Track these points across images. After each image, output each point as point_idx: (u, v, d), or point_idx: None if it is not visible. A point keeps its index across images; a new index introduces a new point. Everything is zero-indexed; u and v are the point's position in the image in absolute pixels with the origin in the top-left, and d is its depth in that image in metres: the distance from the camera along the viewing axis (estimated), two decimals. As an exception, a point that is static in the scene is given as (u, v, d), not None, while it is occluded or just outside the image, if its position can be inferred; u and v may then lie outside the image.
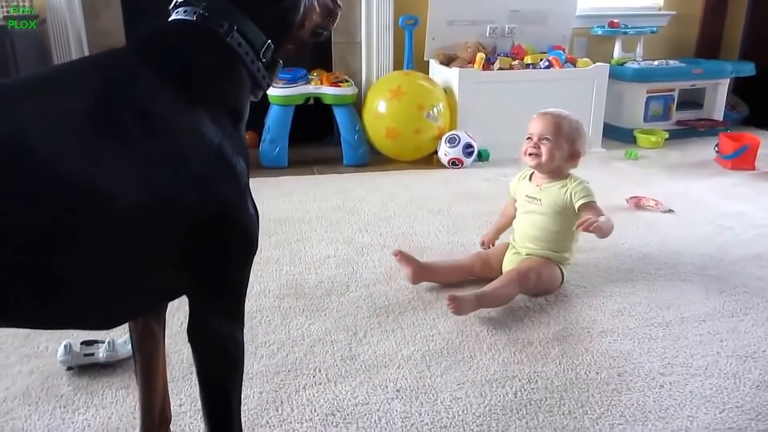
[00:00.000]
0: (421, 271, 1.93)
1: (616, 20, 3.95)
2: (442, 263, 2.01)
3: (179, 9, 1.02)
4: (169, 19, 1.03)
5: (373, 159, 3.39)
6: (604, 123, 3.63)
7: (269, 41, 1.06)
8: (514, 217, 2.05)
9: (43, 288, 0.81)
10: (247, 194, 1.00)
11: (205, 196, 0.92)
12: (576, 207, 1.89)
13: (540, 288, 1.88)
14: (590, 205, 1.88)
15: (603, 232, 1.79)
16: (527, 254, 1.94)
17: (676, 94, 3.86)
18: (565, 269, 1.94)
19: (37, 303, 0.83)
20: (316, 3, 1.13)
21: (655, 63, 3.88)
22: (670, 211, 2.60)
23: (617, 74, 3.72)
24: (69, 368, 1.51)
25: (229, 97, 1.02)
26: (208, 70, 1.00)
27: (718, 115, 3.99)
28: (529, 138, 1.94)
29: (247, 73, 1.04)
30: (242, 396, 1.39)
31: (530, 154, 1.93)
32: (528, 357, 1.58)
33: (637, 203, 2.65)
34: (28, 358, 1.56)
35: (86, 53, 3.38)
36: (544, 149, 1.90)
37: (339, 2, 1.20)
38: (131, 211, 0.84)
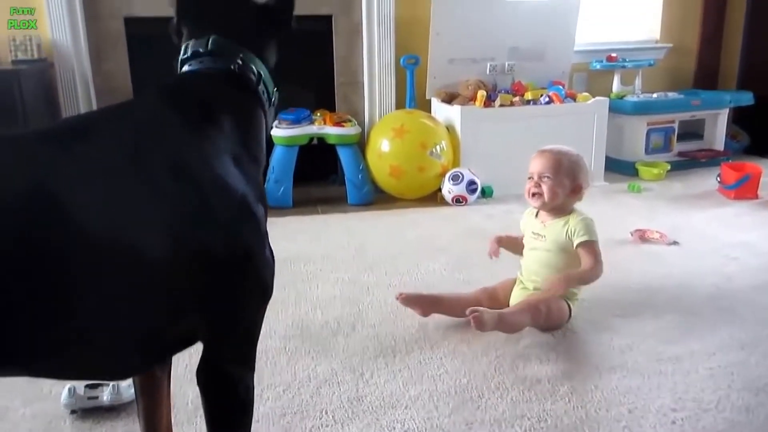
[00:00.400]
0: (428, 304, 1.94)
1: (614, 54, 4.01)
2: (449, 295, 2.01)
3: (203, 58, 1.05)
4: (192, 69, 1.05)
5: (377, 198, 3.41)
6: (606, 156, 3.65)
7: (276, 88, 1.11)
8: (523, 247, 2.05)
9: (62, 339, 0.80)
10: (266, 240, 1.02)
11: (228, 244, 0.92)
12: (574, 245, 1.89)
13: (549, 322, 1.87)
14: (586, 245, 1.88)
15: (568, 286, 1.83)
16: (534, 288, 1.94)
17: (676, 125, 3.89)
18: (573, 304, 1.93)
19: (56, 354, 0.82)
20: None
21: (654, 95, 3.92)
22: (675, 243, 2.60)
23: (617, 108, 3.76)
24: (73, 411, 1.50)
25: (254, 144, 1.05)
26: (238, 117, 1.02)
27: (719, 145, 4.01)
28: (530, 177, 1.95)
29: (264, 119, 1.08)
30: (249, 441, 1.37)
31: (533, 195, 1.94)
32: (537, 395, 1.57)
33: (642, 236, 2.65)
34: (32, 401, 1.56)
35: (92, 95, 3.44)
36: (545, 188, 1.91)
37: None
38: (157, 262, 0.84)
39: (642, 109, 3.79)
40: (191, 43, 1.07)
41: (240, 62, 1.05)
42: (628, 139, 3.83)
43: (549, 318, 1.86)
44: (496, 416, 1.48)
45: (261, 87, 1.07)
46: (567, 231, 1.91)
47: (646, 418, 1.47)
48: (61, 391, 1.52)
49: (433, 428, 1.44)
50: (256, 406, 1.50)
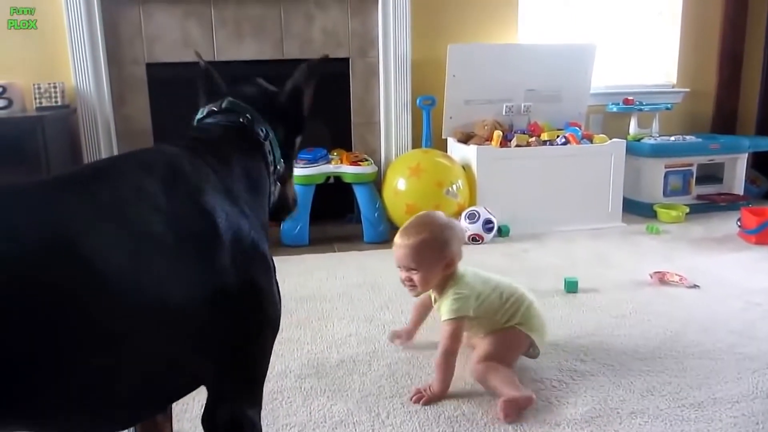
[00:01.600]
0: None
1: (630, 98, 4.03)
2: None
3: (218, 116, 1.17)
4: (206, 122, 1.17)
5: (393, 236, 3.40)
6: (624, 197, 3.63)
7: (282, 160, 1.21)
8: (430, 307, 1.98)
9: (71, 391, 0.77)
10: (274, 278, 1.04)
11: (241, 282, 0.93)
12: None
13: (503, 361, 1.77)
14: (447, 324, 1.76)
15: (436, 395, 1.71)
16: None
17: (694, 168, 3.87)
18: (534, 335, 1.85)
19: (64, 407, 0.79)
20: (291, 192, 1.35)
21: (672, 138, 3.92)
22: (696, 286, 2.56)
23: (634, 150, 3.76)
24: None
25: (259, 192, 1.11)
26: (246, 164, 1.10)
27: (739, 189, 3.99)
28: (398, 267, 1.83)
29: (267, 174, 1.17)
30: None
31: (408, 286, 1.83)
32: (556, 440, 1.53)
33: (661, 278, 2.62)
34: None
35: (113, 139, 3.51)
36: (416, 280, 1.78)
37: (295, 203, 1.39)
38: (178, 306, 0.84)
39: (660, 151, 3.79)
40: (208, 106, 1.22)
41: (248, 117, 1.16)
42: (646, 181, 3.82)
43: (499, 359, 1.76)
44: (514, 461, 1.45)
45: (267, 145, 1.17)
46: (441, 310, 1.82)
47: (669, 466, 1.42)
48: None
49: (450, 472, 1.41)
50: (270, 445, 1.48)
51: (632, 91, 4.15)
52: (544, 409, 1.67)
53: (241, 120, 1.16)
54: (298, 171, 3.31)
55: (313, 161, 3.35)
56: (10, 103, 3.31)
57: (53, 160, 3.10)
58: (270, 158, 1.17)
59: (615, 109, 4.03)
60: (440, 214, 1.89)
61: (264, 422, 1.62)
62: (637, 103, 4.01)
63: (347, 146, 3.76)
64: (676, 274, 2.62)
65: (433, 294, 1.90)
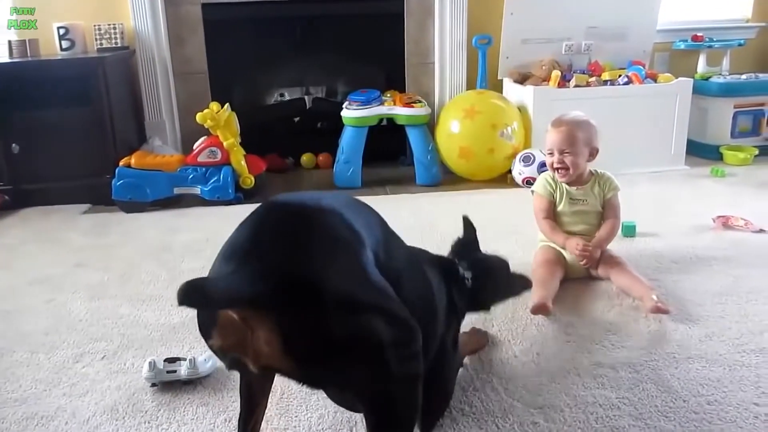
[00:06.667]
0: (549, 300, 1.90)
1: (700, 34, 3.81)
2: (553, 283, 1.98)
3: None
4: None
5: (445, 179, 3.38)
6: (688, 139, 3.48)
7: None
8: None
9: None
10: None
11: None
12: (605, 197, 2.11)
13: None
14: (616, 197, 2.12)
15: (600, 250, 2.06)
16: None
17: (767, 108, 3.67)
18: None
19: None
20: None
21: (743, 77, 3.71)
22: (762, 231, 2.46)
23: (701, 89, 3.58)
24: (153, 384, 1.55)
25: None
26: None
27: (814, 130, 3.76)
28: (550, 152, 2.10)
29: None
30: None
31: (557, 169, 2.09)
32: (610, 382, 1.52)
33: (725, 223, 2.52)
34: (116, 374, 1.63)
35: (171, 79, 3.56)
36: (568, 162, 2.06)
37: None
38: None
39: (729, 90, 3.60)
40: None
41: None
42: (713, 122, 3.65)
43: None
44: (566, 401, 1.44)
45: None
46: (600, 188, 2.11)
47: (726, 411, 1.40)
48: (142, 365, 1.58)
49: (502, 412, 1.42)
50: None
51: (702, 27, 3.93)
52: (598, 351, 1.65)
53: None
54: (351, 113, 3.29)
55: (366, 103, 3.32)
56: (73, 44, 3.39)
57: (114, 101, 3.17)
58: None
59: (683, 47, 3.83)
60: (582, 113, 2.15)
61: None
62: (707, 39, 3.80)
63: (401, 88, 3.70)
64: (741, 219, 2.52)
65: (574, 189, 2.11)
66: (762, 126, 3.68)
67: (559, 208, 2.13)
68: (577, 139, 2.05)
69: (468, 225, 1.68)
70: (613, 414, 1.40)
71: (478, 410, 1.42)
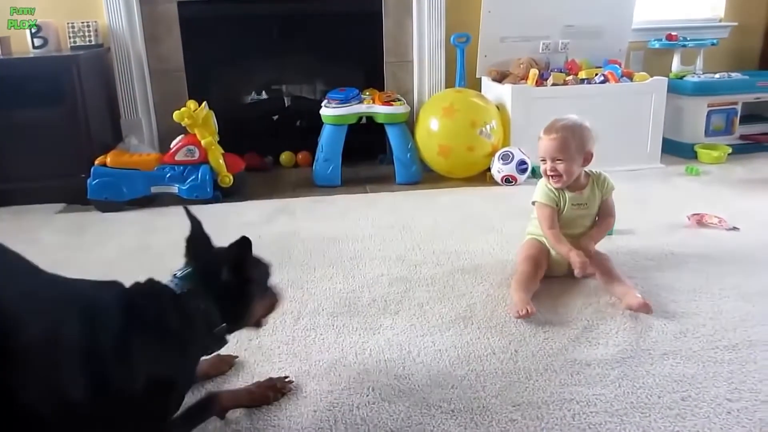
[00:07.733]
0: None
1: (674, 33, 3.86)
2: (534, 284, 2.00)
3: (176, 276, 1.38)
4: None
5: (425, 177, 3.39)
6: (663, 138, 3.53)
7: (224, 324, 1.33)
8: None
9: None
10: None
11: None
12: (602, 198, 2.10)
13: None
14: (611, 197, 2.12)
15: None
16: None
17: (739, 107, 3.73)
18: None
19: None
20: (260, 304, 1.41)
21: (717, 76, 3.77)
22: (735, 228, 2.50)
23: (676, 88, 3.63)
24: None
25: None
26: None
27: (785, 128, 3.84)
28: (543, 160, 2.05)
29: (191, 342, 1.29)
30: (297, 414, 1.40)
31: (551, 176, 2.04)
32: (586, 379, 1.54)
33: (699, 221, 2.56)
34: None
35: (147, 77, 3.53)
36: (561, 170, 2.01)
37: (279, 297, 1.49)
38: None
39: (703, 89, 3.65)
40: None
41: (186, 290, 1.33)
42: (688, 121, 3.70)
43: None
44: (543, 398, 1.46)
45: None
46: (599, 189, 2.09)
47: (699, 407, 1.42)
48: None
49: (480, 408, 1.43)
50: (304, 382, 1.53)
51: (676, 26, 3.98)
52: (575, 349, 1.67)
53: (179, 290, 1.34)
54: (330, 111, 3.29)
55: (345, 101, 3.32)
56: (45, 42, 3.34)
57: (89, 99, 3.13)
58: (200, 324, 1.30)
59: (657, 46, 3.88)
60: (576, 117, 2.08)
61: (297, 357, 1.66)
62: (681, 38, 3.85)
63: (380, 86, 3.71)
64: (715, 216, 2.56)
65: (575, 194, 2.08)
66: (735, 125, 3.74)
67: (563, 214, 2.09)
68: (569, 147, 1.99)
69: (192, 217, 1.42)
70: (590, 410, 1.42)
71: (456, 407, 1.43)
